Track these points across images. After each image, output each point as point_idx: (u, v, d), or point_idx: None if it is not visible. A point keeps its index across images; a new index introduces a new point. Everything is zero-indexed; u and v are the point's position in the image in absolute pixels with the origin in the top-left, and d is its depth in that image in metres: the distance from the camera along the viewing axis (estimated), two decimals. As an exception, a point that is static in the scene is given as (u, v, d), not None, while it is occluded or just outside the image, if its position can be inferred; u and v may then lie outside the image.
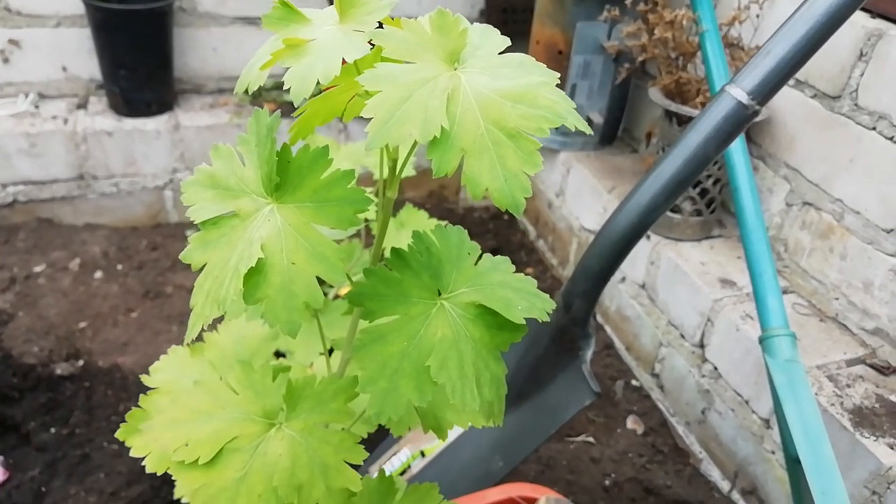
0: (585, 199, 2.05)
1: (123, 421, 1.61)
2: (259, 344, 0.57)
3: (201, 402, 0.45)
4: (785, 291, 1.62)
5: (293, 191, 0.36)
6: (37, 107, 1.99)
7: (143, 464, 0.52)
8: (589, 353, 1.25)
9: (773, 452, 1.45)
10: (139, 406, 0.52)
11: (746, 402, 1.50)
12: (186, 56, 2.10)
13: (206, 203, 0.38)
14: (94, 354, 1.69)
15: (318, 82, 0.37)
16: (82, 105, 2.04)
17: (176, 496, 1.03)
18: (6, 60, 1.98)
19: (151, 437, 0.51)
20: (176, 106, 2.09)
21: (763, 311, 1.14)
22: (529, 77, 0.31)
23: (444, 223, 0.55)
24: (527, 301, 0.43)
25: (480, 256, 0.47)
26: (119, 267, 1.96)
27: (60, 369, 1.63)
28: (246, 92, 0.40)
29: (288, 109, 2.14)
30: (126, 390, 1.64)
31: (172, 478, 1.38)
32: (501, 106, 0.31)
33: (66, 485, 1.45)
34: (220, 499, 0.41)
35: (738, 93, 0.99)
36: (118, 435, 0.53)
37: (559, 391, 1.24)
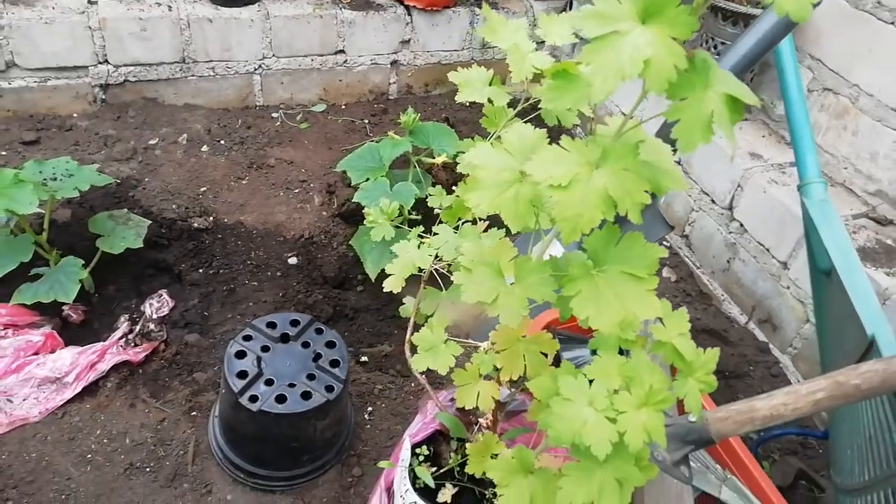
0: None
1: (257, 265, 1.91)
2: (536, 139, 0.88)
3: (553, 156, 0.76)
4: (802, 163, 1.96)
5: (658, 15, 0.67)
6: (139, -6, 2.18)
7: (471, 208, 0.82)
8: (661, 199, 1.58)
9: (787, 287, 1.83)
10: (464, 180, 0.83)
11: (768, 250, 1.87)
12: (267, -51, 2.28)
13: (595, 27, 0.69)
14: (220, 213, 1.98)
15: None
16: (177, -7, 2.23)
17: (401, 310, 1.30)
18: (107, -51, 2.15)
19: (483, 190, 0.83)
20: (261, -4, 2.29)
21: (802, 165, 1.47)
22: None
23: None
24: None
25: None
26: (222, 142, 2.22)
27: (197, 223, 1.92)
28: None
29: (359, 3, 2.36)
30: (252, 241, 1.94)
31: (313, 302, 1.69)
32: None
33: (221, 310, 1.77)
34: (574, 206, 0.73)
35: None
36: (459, 193, 0.84)
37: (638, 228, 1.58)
